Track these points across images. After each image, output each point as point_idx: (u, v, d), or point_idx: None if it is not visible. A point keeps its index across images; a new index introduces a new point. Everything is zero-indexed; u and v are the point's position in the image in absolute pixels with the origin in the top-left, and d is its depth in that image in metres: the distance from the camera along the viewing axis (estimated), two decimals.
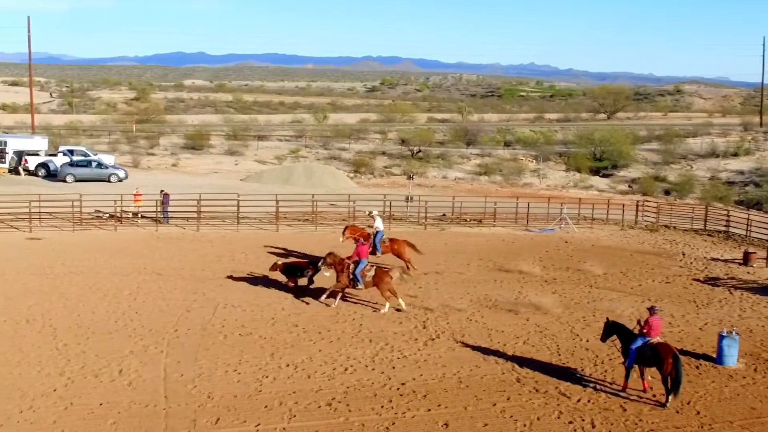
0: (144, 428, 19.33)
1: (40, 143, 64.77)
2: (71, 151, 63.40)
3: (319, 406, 20.74)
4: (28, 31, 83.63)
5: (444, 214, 50.00)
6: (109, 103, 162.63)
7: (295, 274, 31.80)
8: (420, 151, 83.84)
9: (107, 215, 45.17)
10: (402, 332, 27.05)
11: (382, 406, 20.80)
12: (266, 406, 20.63)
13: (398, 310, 29.50)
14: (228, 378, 22.55)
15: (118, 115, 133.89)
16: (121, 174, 59.80)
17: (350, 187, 60.18)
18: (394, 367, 23.69)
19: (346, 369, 23.48)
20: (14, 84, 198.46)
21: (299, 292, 31.32)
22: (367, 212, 38.14)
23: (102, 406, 20.45)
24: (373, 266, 30.21)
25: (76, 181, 57.66)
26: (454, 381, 22.73)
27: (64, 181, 57.82)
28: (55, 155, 62.76)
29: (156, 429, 19.31)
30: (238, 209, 45.56)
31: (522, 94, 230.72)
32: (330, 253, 30.60)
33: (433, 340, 26.36)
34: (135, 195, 45.67)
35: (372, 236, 35.60)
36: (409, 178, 58.79)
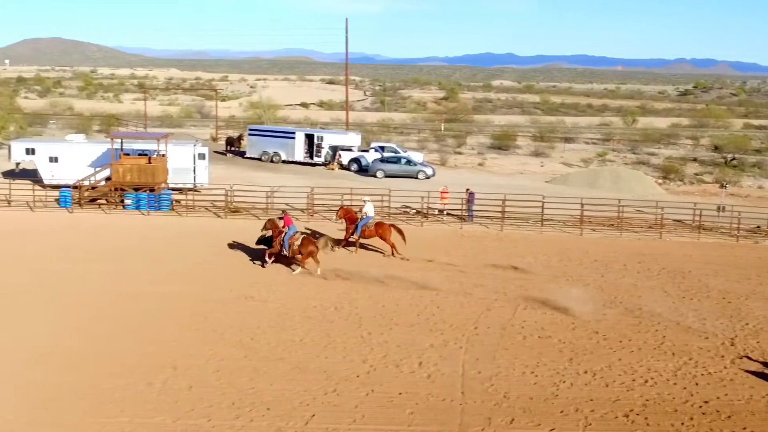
0: (439, 421, 19.56)
1: (353, 139, 67.48)
2: (382, 148, 65.56)
3: (616, 417, 20.09)
4: (346, 32, 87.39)
5: (758, 227, 46.86)
6: (419, 102, 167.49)
7: (269, 244, 34.16)
8: (734, 158, 79.53)
9: (414, 211, 46.36)
10: (708, 348, 25.60)
11: (682, 423, 19.80)
12: (562, 411, 20.26)
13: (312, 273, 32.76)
14: (525, 379, 22.36)
15: (428, 113, 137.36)
16: (429, 171, 61.16)
17: (658, 194, 57.99)
18: (697, 384, 22.47)
19: (646, 381, 22.58)
20: (331, 82, 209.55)
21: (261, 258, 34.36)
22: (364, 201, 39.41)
23: (401, 395, 20.93)
24: (303, 235, 33.83)
25: (386, 176, 59.64)
26: (762, 404, 21.21)
27: (375, 176, 59.98)
28: (366, 151, 65.18)
29: (451, 423, 19.48)
30: (542, 211, 45.16)
31: None
32: (269, 219, 35.10)
33: (741, 358, 24.74)
34: (442, 192, 46.48)
35: (360, 219, 37.68)
36: (722, 186, 55.88)
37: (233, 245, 37.27)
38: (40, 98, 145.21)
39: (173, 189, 48.46)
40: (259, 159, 66.58)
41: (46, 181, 50.64)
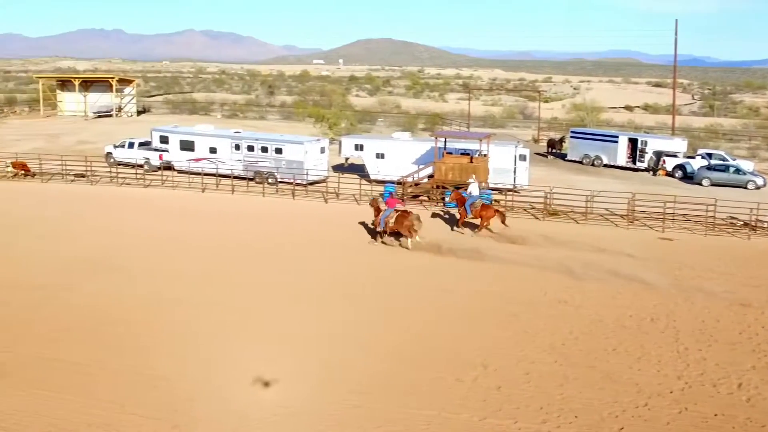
0: None
1: (679, 145, 65.10)
2: (709, 155, 62.78)
3: None
4: (675, 33, 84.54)
5: None
6: (752, 107, 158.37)
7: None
8: None
9: (741, 223, 44.02)
10: None
11: None
12: None
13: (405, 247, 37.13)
14: None
15: (760, 120, 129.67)
16: (760, 181, 57.71)
17: None
18: None
19: None
20: (657, 85, 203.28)
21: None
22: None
23: (716, 417, 20.05)
24: (397, 213, 37.60)
25: (712, 185, 57.04)
26: None
27: (700, 184, 57.55)
28: (692, 158, 62.73)
29: None
30: None
31: None
32: (373, 199, 40.36)
33: None
34: None
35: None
36: None
37: (545, 247, 37.27)
38: (370, 96, 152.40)
39: (493, 189, 49.15)
40: (580, 162, 66.01)
41: (372, 176, 53.17)
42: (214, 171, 53.62)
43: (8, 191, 51.42)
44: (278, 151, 53.49)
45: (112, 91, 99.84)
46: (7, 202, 47.05)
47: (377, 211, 38.57)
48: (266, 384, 21.46)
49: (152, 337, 25.03)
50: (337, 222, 42.41)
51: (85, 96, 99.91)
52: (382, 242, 38.00)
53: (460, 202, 41.58)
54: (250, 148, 54.39)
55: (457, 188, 44.21)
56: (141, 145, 59.54)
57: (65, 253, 34.96)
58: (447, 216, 43.66)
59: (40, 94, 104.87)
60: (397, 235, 37.80)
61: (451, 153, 51.08)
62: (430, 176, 50.10)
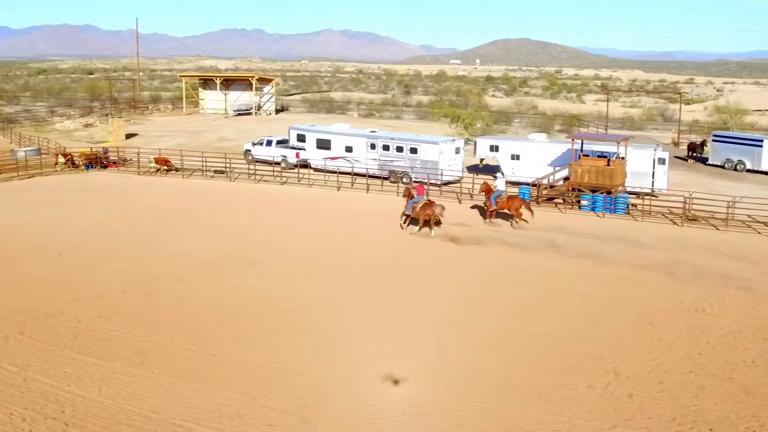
0: None
1: None
2: None
3: None
4: None
5: None
6: None
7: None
8: None
9: None
10: None
11: None
12: None
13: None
14: None
15: None
16: None
17: None
18: None
19: None
20: None
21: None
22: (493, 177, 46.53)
23: None
24: (424, 201, 39.96)
25: None
26: None
27: None
28: None
29: None
30: None
31: None
32: (406, 188, 43.19)
33: None
34: None
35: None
36: None
37: (682, 253, 36.29)
38: (506, 96, 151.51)
39: (630, 192, 48.13)
40: (722, 167, 63.96)
41: (506, 178, 52.82)
42: (349, 169, 54.32)
43: (152, 186, 53.42)
44: (413, 150, 53.80)
45: (251, 89, 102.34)
46: (152, 197, 48.86)
47: (408, 199, 40.81)
48: (396, 382, 21.63)
49: (284, 332, 25.56)
50: (468, 222, 42.33)
51: (225, 94, 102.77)
52: (417, 229, 39.98)
53: (488, 193, 43.22)
54: (386, 148, 54.89)
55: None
56: (279, 143, 60.85)
57: (205, 248, 36.09)
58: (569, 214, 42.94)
59: (183, 92, 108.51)
60: (425, 223, 39.75)
61: (587, 155, 50.20)
62: (566, 178, 49.40)
